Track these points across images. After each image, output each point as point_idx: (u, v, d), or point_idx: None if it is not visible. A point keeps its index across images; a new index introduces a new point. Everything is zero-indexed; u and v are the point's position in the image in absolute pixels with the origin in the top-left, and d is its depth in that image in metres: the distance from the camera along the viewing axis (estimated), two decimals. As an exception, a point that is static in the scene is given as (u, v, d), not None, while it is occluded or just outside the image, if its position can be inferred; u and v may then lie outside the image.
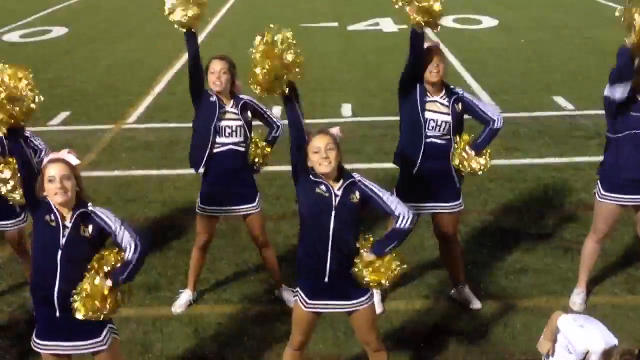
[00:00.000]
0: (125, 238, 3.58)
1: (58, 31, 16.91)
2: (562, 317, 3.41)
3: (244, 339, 4.98)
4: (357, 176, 3.93)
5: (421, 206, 4.96)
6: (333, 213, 3.82)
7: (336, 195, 3.84)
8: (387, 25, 16.43)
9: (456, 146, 4.89)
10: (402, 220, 3.83)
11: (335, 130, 3.93)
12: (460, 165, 4.90)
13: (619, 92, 4.63)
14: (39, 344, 3.71)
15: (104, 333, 3.67)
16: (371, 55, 13.58)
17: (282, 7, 19.94)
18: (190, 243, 6.21)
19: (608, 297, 5.37)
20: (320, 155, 3.80)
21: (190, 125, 5.22)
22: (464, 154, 4.88)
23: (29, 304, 5.28)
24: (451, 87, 4.97)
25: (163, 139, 9.02)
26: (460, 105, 4.90)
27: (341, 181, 3.88)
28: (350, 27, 16.46)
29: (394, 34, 15.34)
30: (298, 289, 4.01)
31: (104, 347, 3.67)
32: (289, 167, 3.99)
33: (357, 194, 3.87)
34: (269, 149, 5.17)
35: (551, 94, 10.56)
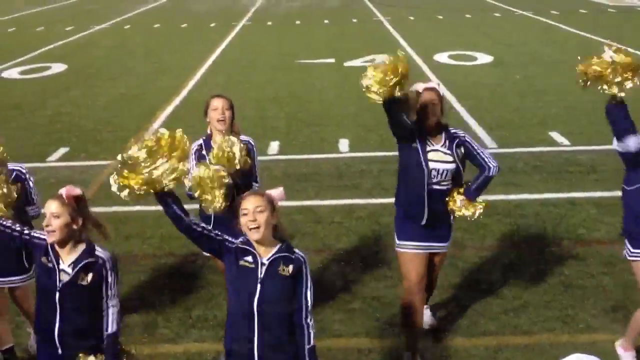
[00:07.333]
0: (113, 310, 3.67)
1: (57, 68, 17.04)
2: None
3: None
4: (300, 253, 3.48)
5: (426, 245, 4.95)
6: (258, 287, 3.37)
7: (262, 265, 3.40)
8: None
9: (449, 197, 4.87)
10: (305, 314, 3.42)
11: (275, 193, 3.52)
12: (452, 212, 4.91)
13: (632, 143, 4.48)
14: None
15: None
16: (368, 91, 13.66)
17: (279, 43, 20.16)
18: (188, 280, 6.19)
19: None
20: (248, 218, 3.38)
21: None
22: (457, 202, 4.86)
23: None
24: (451, 130, 4.89)
25: (161, 175, 9.00)
26: (462, 149, 4.85)
27: (275, 249, 3.45)
28: (347, 63, 16.63)
29: (390, 70, 15.46)
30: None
31: None
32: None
33: (291, 267, 3.42)
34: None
35: (547, 129, 10.64)
